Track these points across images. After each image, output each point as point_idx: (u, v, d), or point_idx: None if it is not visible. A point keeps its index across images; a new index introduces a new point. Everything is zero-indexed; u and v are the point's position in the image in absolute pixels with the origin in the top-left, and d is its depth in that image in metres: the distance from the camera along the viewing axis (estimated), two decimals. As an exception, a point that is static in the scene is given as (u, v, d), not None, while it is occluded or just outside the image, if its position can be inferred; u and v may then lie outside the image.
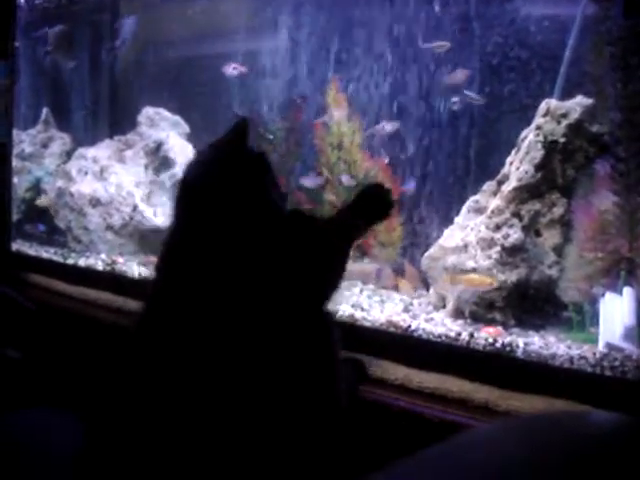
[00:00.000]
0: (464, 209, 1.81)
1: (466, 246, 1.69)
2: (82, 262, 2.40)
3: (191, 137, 2.80)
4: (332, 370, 1.13)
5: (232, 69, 2.42)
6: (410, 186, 2.10)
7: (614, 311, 1.42)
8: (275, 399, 1.03)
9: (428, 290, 1.89)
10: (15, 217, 2.79)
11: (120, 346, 1.12)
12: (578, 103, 1.66)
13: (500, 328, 1.56)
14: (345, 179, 2.21)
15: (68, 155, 2.96)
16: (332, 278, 1.17)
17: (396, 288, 2.05)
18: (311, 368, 1.09)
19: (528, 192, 1.65)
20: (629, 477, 0.49)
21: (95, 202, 2.61)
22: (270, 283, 1.08)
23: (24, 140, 3.09)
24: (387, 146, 2.18)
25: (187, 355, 1.04)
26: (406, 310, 1.76)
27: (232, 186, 1.12)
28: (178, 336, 1.06)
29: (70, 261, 2.43)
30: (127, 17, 2.82)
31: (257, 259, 1.08)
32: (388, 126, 2.11)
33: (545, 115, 1.68)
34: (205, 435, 0.99)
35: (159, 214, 2.59)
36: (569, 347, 1.41)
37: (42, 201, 2.84)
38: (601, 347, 1.37)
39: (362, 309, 1.73)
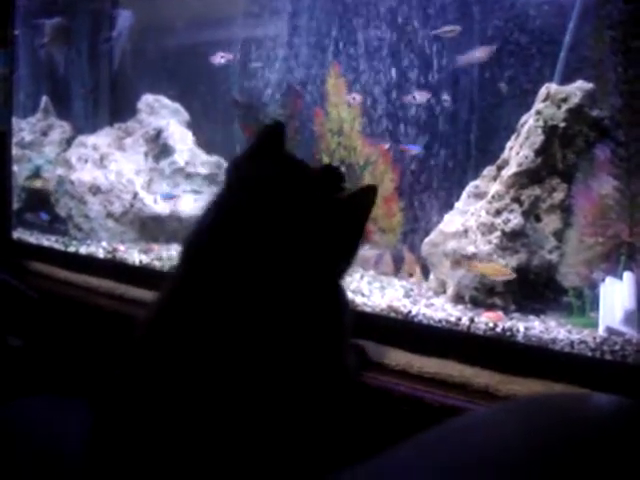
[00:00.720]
0: (464, 194, 1.81)
1: (466, 231, 1.69)
2: (83, 250, 2.40)
3: (191, 124, 2.80)
4: (339, 343, 1.14)
5: (220, 58, 2.41)
6: (415, 148, 2.08)
7: (614, 295, 1.42)
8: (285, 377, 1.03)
9: (428, 276, 1.89)
10: (15, 205, 2.79)
11: (135, 335, 1.12)
12: (578, 87, 1.65)
13: (500, 313, 1.56)
14: None
15: (68, 143, 2.96)
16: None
17: (396, 274, 2.05)
18: (320, 340, 1.09)
19: (528, 177, 1.65)
20: (628, 459, 0.50)
21: (95, 190, 2.61)
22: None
23: (24, 128, 3.09)
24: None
25: (210, 345, 1.04)
26: (407, 296, 1.76)
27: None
28: (203, 327, 1.05)
29: (71, 249, 2.43)
30: (122, 10, 2.81)
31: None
32: (419, 96, 2.08)
33: (545, 100, 1.67)
34: (223, 424, 0.99)
35: (159, 201, 2.59)
36: (569, 331, 1.41)
37: (35, 183, 2.85)
38: (601, 331, 1.37)
39: (362, 295, 1.73)
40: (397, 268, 2.08)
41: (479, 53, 1.95)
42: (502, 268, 1.59)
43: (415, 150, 2.08)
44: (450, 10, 2.05)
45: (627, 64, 1.50)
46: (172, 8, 2.81)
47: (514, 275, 1.58)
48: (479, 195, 1.77)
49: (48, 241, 2.58)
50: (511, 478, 0.47)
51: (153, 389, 1.04)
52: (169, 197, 2.57)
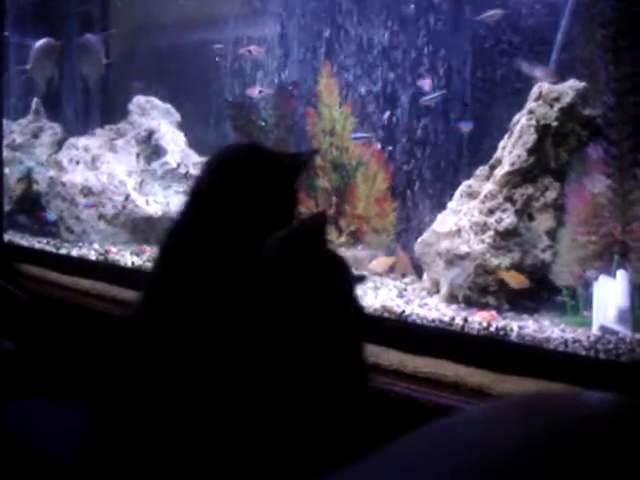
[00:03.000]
0: (457, 194, 1.81)
1: (459, 231, 1.69)
2: (75, 252, 2.39)
3: (182, 125, 2.79)
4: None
5: (247, 51, 2.40)
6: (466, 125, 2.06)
7: (608, 294, 1.42)
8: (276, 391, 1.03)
9: (421, 276, 1.89)
10: (6, 208, 2.77)
11: (117, 337, 1.13)
12: (570, 86, 1.65)
13: (494, 312, 1.56)
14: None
15: (59, 145, 2.95)
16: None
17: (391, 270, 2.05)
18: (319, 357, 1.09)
19: (521, 176, 1.65)
20: (623, 456, 0.49)
21: (87, 192, 2.60)
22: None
23: (14, 130, 3.07)
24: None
25: (184, 350, 1.04)
26: (400, 296, 1.76)
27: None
28: (179, 329, 1.06)
29: (63, 251, 2.42)
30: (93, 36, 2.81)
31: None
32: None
33: (537, 99, 1.67)
34: (207, 425, 0.99)
35: (151, 203, 2.58)
36: (563, 330, 1.41)
37: (18, 187, 2.84)
38: (595, 330, 1.37)
39: (356, 295, 1.72)
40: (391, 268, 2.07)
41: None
42: (520, 276, 1.58)
43: (466, 127, 2.04)
44: (442, 9, 2.05)
45: (618, 62, 1.50)
46: (164, 7, 2.81)
47: (529, 284, 1.58)
48: (472, 195, 1.77)
49: (39, 243, 2.57)
50: (502, 476, 0.46)
51: (139, 390, 1.05)
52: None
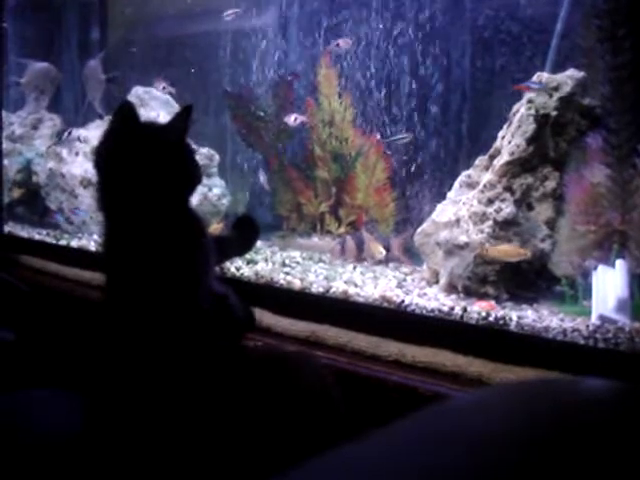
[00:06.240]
0: (456, 184, 1.81)
1: (458, 221, 1.69)
2: (74, 243, 2.39)
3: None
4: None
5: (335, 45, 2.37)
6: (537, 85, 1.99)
7: (607, 284, 1.42)
8: None
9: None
10: (6, 199, 2.77)
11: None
12: (569, 76, 1.65)
13: (493, 302, 1.56)
14: None
15: (58, 136, 2.94)
16: None
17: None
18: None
19: (520, 166, 1.65)
20: (623, 443, 0.49)
21: (86, 183, 2.60)
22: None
23: (14, 122, 3.07)
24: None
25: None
26: (399, 286, 1.76)
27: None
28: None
29: (62, 242, 2.42)
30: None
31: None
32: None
33: (537, 88, 1.67)
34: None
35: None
36: (562, 320, 1.41)
37: (15, 193, 2.86)
38: (594, 319, 1.37)
39: (355, 285, 1.73)
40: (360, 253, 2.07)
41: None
42: (519, 249, 1.58)
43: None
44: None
45: (615, 51, 1.50)
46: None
47: (529, 253, 1.57)
48: (471, 184, 1.77)
49: (39, 235, 2.57)
50: (496, 465, 0.46)
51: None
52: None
